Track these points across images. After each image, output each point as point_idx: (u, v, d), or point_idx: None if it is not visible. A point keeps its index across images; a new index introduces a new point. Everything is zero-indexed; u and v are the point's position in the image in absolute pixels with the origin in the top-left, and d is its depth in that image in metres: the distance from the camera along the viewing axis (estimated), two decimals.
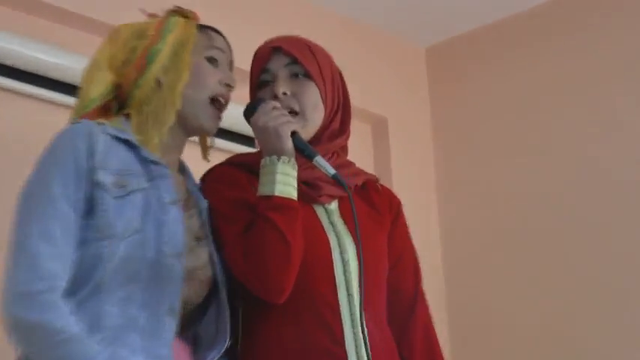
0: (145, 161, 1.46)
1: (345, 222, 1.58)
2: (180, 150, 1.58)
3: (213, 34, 1.59)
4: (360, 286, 1.50)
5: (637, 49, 2.93)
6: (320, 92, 1.60)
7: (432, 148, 3.53)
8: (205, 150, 1.65)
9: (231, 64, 1.59)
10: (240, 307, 1.56)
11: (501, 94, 3.30)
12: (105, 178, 1.39)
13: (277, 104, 1.53)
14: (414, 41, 3.50)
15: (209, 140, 1.65)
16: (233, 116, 1.61)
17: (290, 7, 3.05)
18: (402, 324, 1.62)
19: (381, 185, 1.72)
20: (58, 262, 1.33)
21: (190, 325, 1.53)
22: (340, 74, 1.67)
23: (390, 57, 3.39)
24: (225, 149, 2.46)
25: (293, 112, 1.55)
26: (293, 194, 1.48)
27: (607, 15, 3.06)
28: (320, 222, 1.57)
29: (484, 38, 3.40)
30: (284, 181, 1.48)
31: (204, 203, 1.56)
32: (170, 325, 1.42)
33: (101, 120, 1.47)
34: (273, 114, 1.51)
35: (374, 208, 1.66)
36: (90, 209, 1.37)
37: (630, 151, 2.97)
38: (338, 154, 1.65)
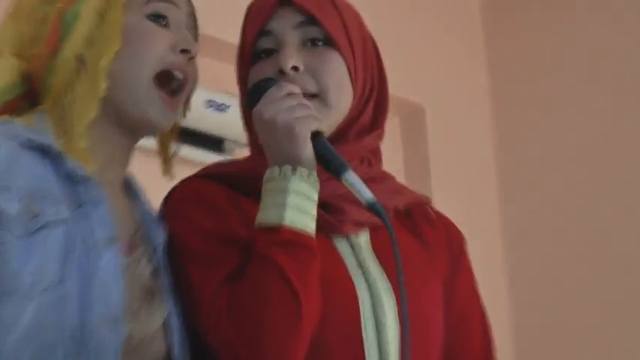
0: (69, 178, 1.29)
1: (381, 263, 1.39)
2: (124, 162, 1.41)
3: None
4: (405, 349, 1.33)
5: None
6: (348, 67, 1.42)
7: (490, 145, 3.48)
8: (167, 161, 1.48)
9: (193, 24, 1.44)
10: None
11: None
12: (5, 204, 1.22)
13: (294, 88, 1.33)
14: None
15: (171, 146, 1.49)
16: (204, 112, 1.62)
17: None
18: None
19: (434, 211, 1.55)
20: None
21: None
22: (373, 42, 1.50)
23: (431, 17, 3.39)
24: (195, 161, 2.25)
25: (308, 96, 1.37)
26: (310, 227, 1.28)
27: None
28: (343, 262, 1.38)
29: None
30: (299, 205, 1.28)
31: (159, 238, 1.38)
32: None
33: (6, 117, 1.34)
34: (286, 103, 1.31)
35: (424, 243, 1.48)
36: None
37: None
38: (369, 162, 1.46)
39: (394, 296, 1.37)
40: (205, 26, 2.22)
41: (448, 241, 1.52)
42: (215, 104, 2.43)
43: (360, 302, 1.36)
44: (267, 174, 1.31)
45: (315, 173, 1.30)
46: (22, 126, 1.30)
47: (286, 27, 1.42)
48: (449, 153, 3.28)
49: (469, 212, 2.90)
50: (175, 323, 1.36)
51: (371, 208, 1.29)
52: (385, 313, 1.37)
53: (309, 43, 1.41)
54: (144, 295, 1.35)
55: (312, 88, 1.39)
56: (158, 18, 1.37)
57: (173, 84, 1.37)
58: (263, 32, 1.42)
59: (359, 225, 1.40)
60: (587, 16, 3.42)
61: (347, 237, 1.40)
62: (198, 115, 2.25)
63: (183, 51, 1.37)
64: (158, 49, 1.35)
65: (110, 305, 1.27)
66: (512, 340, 3.24)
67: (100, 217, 1.30)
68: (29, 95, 1.38)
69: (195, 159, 2.35)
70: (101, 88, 1.31)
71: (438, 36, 3.41)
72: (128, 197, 1.43)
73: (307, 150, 1.30)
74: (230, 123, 2.42)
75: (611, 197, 3.32)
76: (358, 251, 1.41)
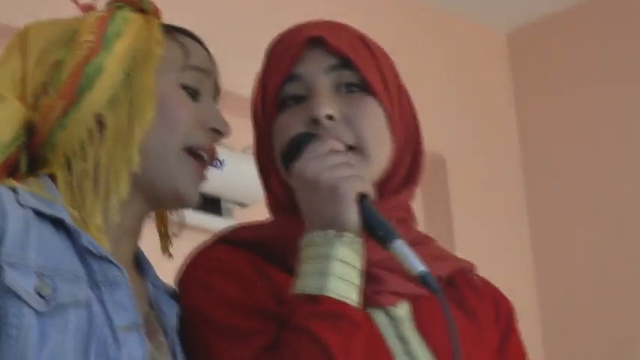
0: (86, 255, 1.22)
1: (425, 338, 1.33)
2: (137, 233, 1.34)
3: (191, 43, 1.34)
4: None
5: None
6: (386, 116, 1.37)
7: (523, 194, 3.45)
8: (166, 237, 1.41)
9: (216, 90, 1.37)
10: None
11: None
12: (22, 280, 1.15)
13: (338, 145, 1.29)
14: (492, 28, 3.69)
15: (174, 216, 1.43)
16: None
17: None
18: None
19: (480, 278, 1.48)
20: None
21: None
22: (406, 89, 1.45)
23: (449, 64, 3.47)
24: (190, 224, 2.00)
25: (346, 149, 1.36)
26: (354, 298, 1.23)
27: None
28: (381, 336, 1.31)
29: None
30: (343, 274, 1.23)
31: (172, 320, 1.31)
32: None
33: (10, 182, 1.26)
34: (330, 161, 1.25)
35: (470, 315, 1.40)
36: None
37: None
38: (405, 221, 1.39)
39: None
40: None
41: (496, 313, 1.45)
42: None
43: None
44: (307, 238, 1.24)
45: (360, 240, 1.24)
46: (29, 194, 1.22)
47: (317, 71, 1.35)
48: (472, 203, 3.28)
49: (497, 267, 2.70)
50: None
51: (424, 282, 1.21)
52: None
53: (343, 89, 1.35)
54: None
55: (349, 139, 1.32)
56: (191, 89, 1.32)
57: (200, 159, 1.32)
58: (291, 77, 1.36)
59: (398, 296, 1.33)
60: (617, 68, 3.40)
61: (384, 309, 1.33)
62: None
63: (214, 131, 1.32)
64: (189, 123, 1.30)
65: None
66: None
67: (121, 300, 1.24)
68: (29, 149, 1.31)
69: (190, 222, 2.28)
70: (135, 162, 1.24)
71: (458, 85, 3.43)
72: (138, 271, 1.36)
73: (352, 213, 1.23)
74: (227, 181, 2.33)
75: None
76: (398, 324, 1.34)
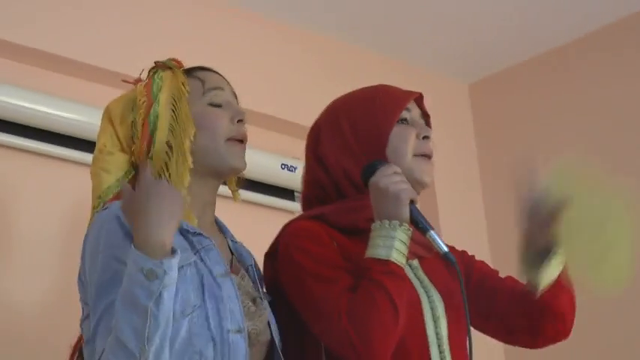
0: (186, 233, 1.59)
1: (430, 278, 1.77)
2: (213, 203, 1.72)
3: (204, 74, 1.73)
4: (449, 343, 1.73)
5: None
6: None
7: (483, 216, 3.55)
8: (236, 193, 1.83)
9: (234, 95, 1.75)
10: None
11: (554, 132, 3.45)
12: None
13: (398, 169, 1.70)
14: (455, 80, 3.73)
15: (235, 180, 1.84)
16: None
17: (327, 47, 3.28)
18: (522, 300, 1.81)
19: (450, 246, 1.90)
20: None
21: None
22: None
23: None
24: (275, 206, 2.93)
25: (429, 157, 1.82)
26: (404, 263, 1.65)
27: None
28: (409, 280, 1.75)
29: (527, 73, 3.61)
30: (401, 248, 1.64)
31: (249, 261, 1.73)
32: None
33: None
34: (394, 179, 1.67)
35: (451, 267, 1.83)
36: None
37: None
38: None
39: (442, 299, 1.74)
40: (280, 112, 2.98)
41: (462, 259, 1.87)
42: (287, 166, 2.82)
43: (422, 304, 1.72)
44: (379, 224, 1.66)
45: (411, 230, 1.65)
46: None
47: (417, 114, 1.82)
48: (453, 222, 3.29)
49: None
50: (272, 319, 1.66)
51: (446, 257, 1.65)
52: (438, 311, 1.73)
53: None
54: (252, 302, 1.63)
55: (432, 154, 1.80)
56: (215, 104, 1.69)
57: (239, 142, 1.69)
58: (405, 109, 1.81)
59: (415, 255, 1.75)
60: (564, 113, 3.43)
61: (409, 263, 1.74)
62: (276, 174, 2.74)
63: (239, 121, 1.69)
64: (223, 123, 1.67)
65: (236, 319, 1.55)
66: None
67: (214, 258, 1.59)
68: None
69: (274, 205, 2.87)
70: (189, 162, 1.62)
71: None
72: (221, 232, 1.73)
73: (406, 212, 1.65)
74: (299, 179, 2.66)
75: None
76: (415, 271, 1.77)
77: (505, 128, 3.62)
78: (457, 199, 3.37)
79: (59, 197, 2.42)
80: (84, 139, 2.41)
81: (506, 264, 2.72)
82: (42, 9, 2.49)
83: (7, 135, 2.36)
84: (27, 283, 2.31)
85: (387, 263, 1.62)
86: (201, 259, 1.58)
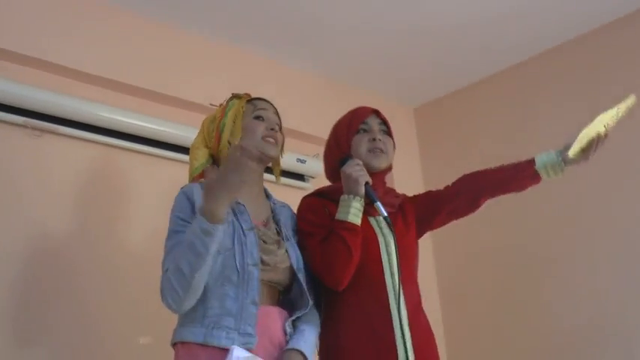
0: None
1: (390, 227, 2.06)
2: (260, 181, 2.05)
3: (257, 101, 2.07)
4: (398, 267, 2.00)
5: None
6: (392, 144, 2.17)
7: (430, 241, 3.71)
8: (278, 173, 2.15)
9: (276, 113, 2.07)
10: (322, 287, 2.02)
11: (487, 151, 3.48)
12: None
13: (360, 162, 2.02)
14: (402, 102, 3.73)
15: (278, 167, 2.17)
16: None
17: (282, 74, 3.41)
18: (474, 184, 2.15)
19: (404, 196, 2.27)
20: None
21: (286, 297, 1.99)
22: None
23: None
24: (293, 185, 3.42)
25: (381, 152, 2.10)
26: (358, 222, 1.97)
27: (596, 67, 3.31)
28: (373, 227, 2.09)
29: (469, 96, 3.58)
30: (355, 213, 1.96)
31: (283, 213, 2.04)
32: (253, 311, 1.80)
33: (201, 180, 2.00)
34: (356, 168, 1.99)
35: (404, 214, 2.18)
36: None
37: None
38: (384, 185, 2.21)
39: (394, 241, 2.05)
40: (297, 125, 3.21)
41: (410, 204, 2.21)
42: (300, 160, 3.43)
43: (379, 243, 2.05)
44: (343, 197, 1.98)
45: (363, 200, 1.96)
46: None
47: (375, 123, 2.13)
48: None
49: None
50: (292, 252, 1.96)
51: (386, 220, 2.00)
52: (391, 247, 2.03)
53: (383, 132, 2.15)
54: (275, 244, 1.94)
55: (384, 149, 2.10)
56: (258, 117, 2.03)
57: (270, 139, 2.01)
58: (363, 122, 2.12)
59: (376, 214, 2.08)
60: (500, 133, 3.47)
61: (374, 217, 2.10)
62: (294, 165, 3.49)
63: (271, 129, 2.00)
64: (260, 129, 2.01)
65: (253, 257, 1.84)
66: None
67: (245, 218, 1.91)
68: (216, 162, 2.04)
69: (293, 184, 3.47)
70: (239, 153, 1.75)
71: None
72: (267, 199, 2.08)
73: (362, 190, 1.97)
74: (307, 168, 3.50)
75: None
76: (379, 222, 2.10)
77: (445, 145, 3.71)
78: None
79: (161, 182, 2.86)
80: (176, 144, 3.02)
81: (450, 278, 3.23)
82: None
83: (132, 143, 2.94)
84: (147, 233, 2.80)
85: (344, 222, 1.95)
86: (236, 217, 1.87)
